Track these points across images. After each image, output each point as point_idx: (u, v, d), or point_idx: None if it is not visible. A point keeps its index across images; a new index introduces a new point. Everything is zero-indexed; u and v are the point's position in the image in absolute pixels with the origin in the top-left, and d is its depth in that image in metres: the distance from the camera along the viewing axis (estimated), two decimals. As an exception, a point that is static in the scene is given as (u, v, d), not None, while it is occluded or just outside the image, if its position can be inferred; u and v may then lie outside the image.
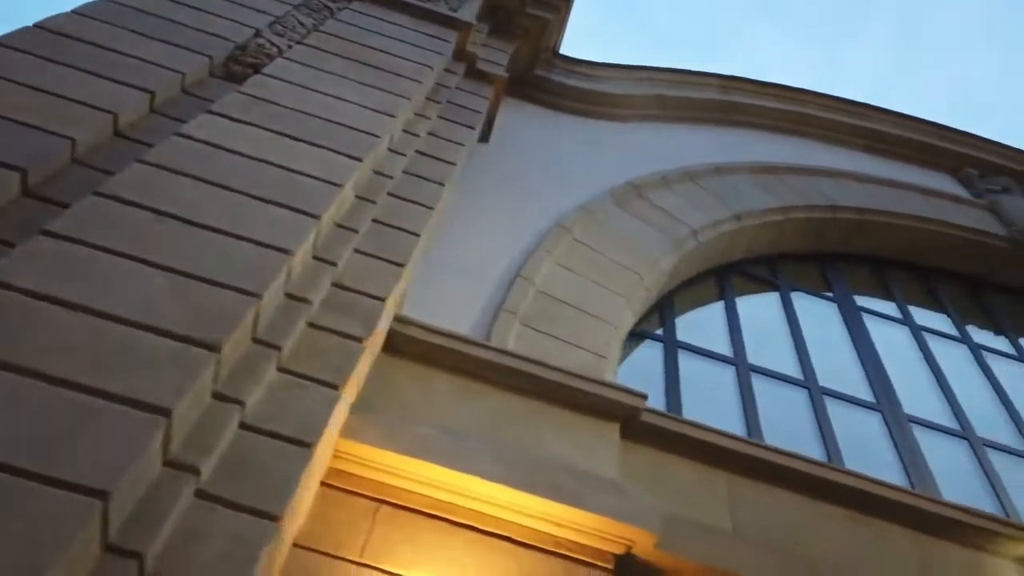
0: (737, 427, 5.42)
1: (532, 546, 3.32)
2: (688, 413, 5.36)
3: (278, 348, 2.90)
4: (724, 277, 7.23)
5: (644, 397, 4.20)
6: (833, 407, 5.98)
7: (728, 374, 5.96)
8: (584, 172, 6.88)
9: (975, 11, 46.94)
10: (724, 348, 6.25)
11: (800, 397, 5.97)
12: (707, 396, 5.66)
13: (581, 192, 6.49)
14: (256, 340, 2.88)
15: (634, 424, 4.19)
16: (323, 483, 3.25)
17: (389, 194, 4.33)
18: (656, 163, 7.57)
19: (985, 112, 47.65)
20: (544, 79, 7.97)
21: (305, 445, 2.69)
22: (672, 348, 6.01)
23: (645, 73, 8.63)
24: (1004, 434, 6.31)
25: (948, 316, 7.95)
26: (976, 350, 7.43)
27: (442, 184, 4.63)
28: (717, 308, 6.80)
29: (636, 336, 6.05)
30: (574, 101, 8.01)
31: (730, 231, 7.09)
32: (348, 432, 3.32)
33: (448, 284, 4.84)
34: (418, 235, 4.07)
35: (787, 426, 5.61)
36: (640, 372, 5.76)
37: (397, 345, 4.05)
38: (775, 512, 4.09)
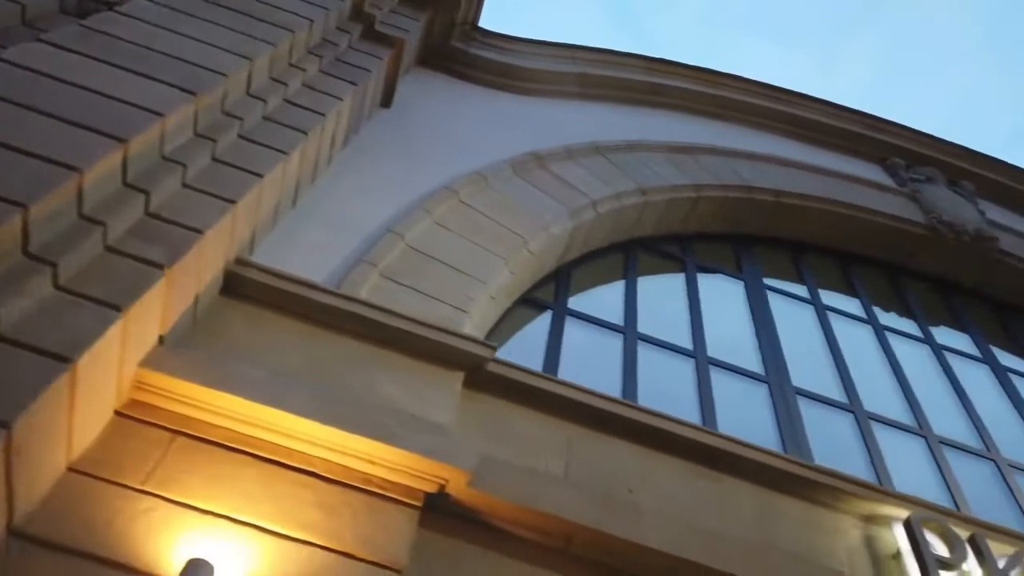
0: (615, 393, 5.38)
1: (337, 481, 3.25)
2: (565, 377, 5.31)
3: (53, 264, 2.81)
4: (631, 252, 7.20)
5: (492, 348, 4.14)
6: (720, 377, 5.97)
7: (616, 343, 5.93)
8: (488, 143, 6.83)
9: (964, 25, 47.73)
10: (618, 319, 6.22)
11: (687, 368, 5.95)
12: (590, 363, 5.62)
13: (480, 161, 6.44)
14: (28, 255, 2.79)
15: (480, 374, 4.14)
16: (118, 413, 3.16)
17: (241, 136, 4.24)
18: (569, 139, 7.53)
19: (965, 122, 48.43)
20: (461, 51, 7.92)
21: (63, 359, 2.60)
22: (560, 315, 5.96)
23: (567, 51, 8.61)
24: (893, 410, 6.33)
25: (859, 300, 7.98)
26: (881, 331, 7.47)
27: (304, 132, 4.55)
28: (619, 281, 6.78)
29: (528, 303, 6.00)
30: (489, 74, 7.96)
31: (636, 205, 7.07)
32: (152, 363, 3.23)
33: (314, 236, 4.76)
34: (260, 175, 3.99)
35: (667, 394, 5.58)
36: (526, 337, 5.71)
37: (235, 287, 3.97)
38: (613, 462, 4.04)
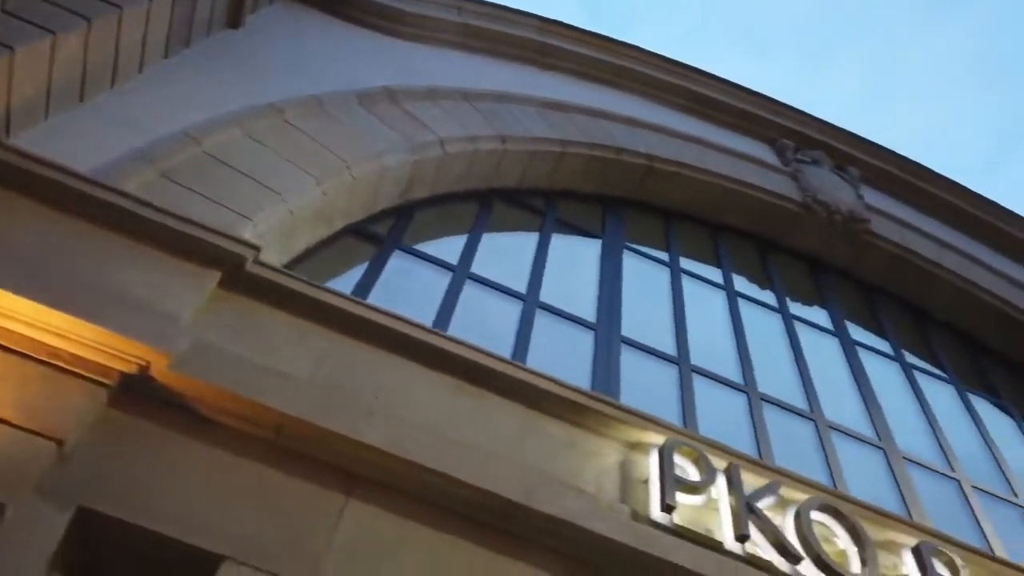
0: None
1: (19, 352, 3.09)
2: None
3: None
4: (489, 201, 7.11)
5: (254, 248, 4.00)
6: (546, 322, 5.90)
7: (444, 281, 5.82)
8: (340, 75, 6.66)
9: (953, 49, 48.87)
10: (456, 260, 6.11)
11: (514, 311, 5.87)
12: (407, 296, 5.50)
13: (323, 89, 6.27)
14: None
15: (239, 275, 3.99)
16: None
17: (5, 11, 4.03)
18: (435, 84, 7.39)
19: (945, 144, 49.66)
20: (337, -13, 7.73)
21: None
22: (389, 248, 5.84)
23: (454, 0, 8.47)
24: (722, 367, 6.33)
25: (721, 269, 8.00)
26: (733, 297, 7.49)
27: (86, 19, 4.34)
28: (468, 226, 6.67)
29: (359, 234, 5.87)
30: (367, 14, 7.79)
31: (494, 152, 6.97)
32: None
33: (96, 131, 4.56)
34: (11, 48, 3.79)
35: (485, 333, 5.47)
36: (347, 265, 5.58)
37: (-24, 165, 3.76)
38: (368, 371, 3.94)
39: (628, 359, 5.90)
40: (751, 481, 4.11)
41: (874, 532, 4.20)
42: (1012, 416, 7.68)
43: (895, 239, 8.99)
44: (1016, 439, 7.36)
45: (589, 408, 4.14)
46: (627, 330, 6.20)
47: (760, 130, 10.07)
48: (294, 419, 3.33)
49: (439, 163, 6.48)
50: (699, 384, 5.97)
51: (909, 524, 4.32)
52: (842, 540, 4.00)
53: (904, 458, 6.18)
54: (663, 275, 7.35)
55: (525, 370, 4.16)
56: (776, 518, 3.96)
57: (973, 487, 6.20)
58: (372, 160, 5.73)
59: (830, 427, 6.14)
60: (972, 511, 5.92)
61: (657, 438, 4.13)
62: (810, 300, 8.23)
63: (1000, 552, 5.45)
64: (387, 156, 5.89)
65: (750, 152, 9.50)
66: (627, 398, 5.37)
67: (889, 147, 10.36)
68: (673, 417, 5.47)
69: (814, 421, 6.13)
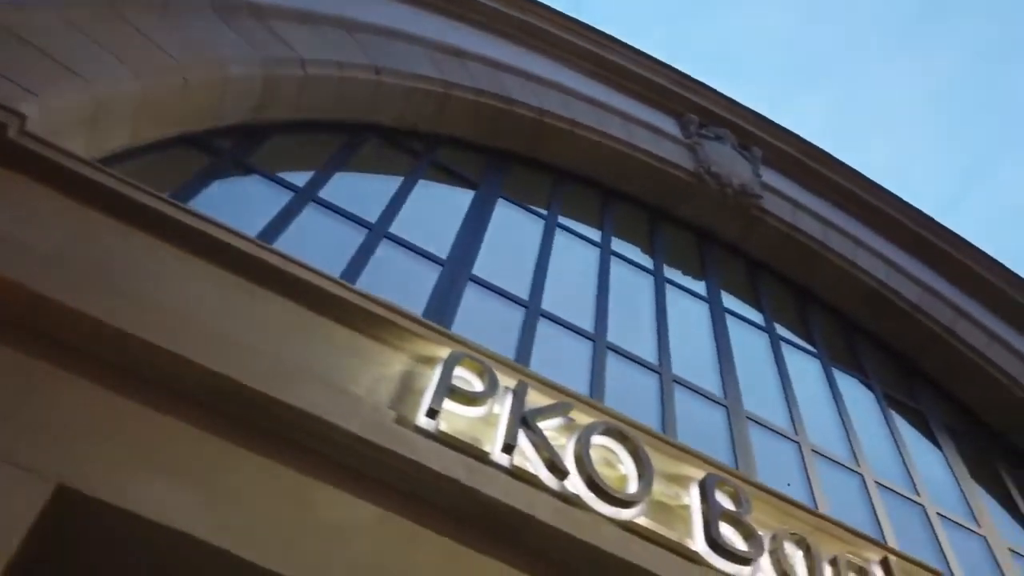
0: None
1: None
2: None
3: None
4: (361, 135, 6.86)
5: (20, 116, 3.71)
6: (389, 252, 5.69)
7: (282, 200, 5.56)
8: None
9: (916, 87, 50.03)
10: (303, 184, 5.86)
11: (356, 237, 5.64)
12: (237, 210, 5.24)
13: (180, -7, 5.94)
14: None
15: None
16: None
17: None
18: (317, 9, 7.11)
19: (906, 181, 50.92)
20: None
21: None
22: (227, 162, 5.57)
23: (354, -66, 8.18)
24: (574, 315, 6.21)
25: (602, 230, 7.88)
26: (607, 256, 7.38)
27: None
28: (331, 156, 6.42)
29: (197, 145, 5.57)
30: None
31: (366, 82, 6.73)
32: None
33: None
34: None
35: (316, 252, 5.23)
36: (173, 172, 5.27)
37: None
38: (129, 254, 3.68)
39: (473, 297, 5.73)
40: (540, 401, 3.97)
41: (664, 464, 4.10)
42: (874, 394, 7.74)
43: (786, 218, 9.01)
44: (873, 416, 7.40)
45: (376, 315, 3.94)
46: (479, 270, 6.03)
47: (668, 103, 10.00)
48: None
49: (301, 84, 6.21)
50: (544, 328, 5.83)
51: (700, 457, 4.23)
52: (626, 466, 3.88)
53: (748, 418, 6.14)
54: (535, 227, 7.20)
55: (311, 270, 3.95)
56: (559, 438, 3.82)
57: (813, 451, 6.19)
58: (212, 66, 5.45)
59: (675, 381, 6.06)
60: (806, 471, 5.90)
61: (444, 351, 3.96)
62: (691, 269, 8.17)
63: (823, 508, 5.44)
64: (232, 66, 5.61)
65: (652, 122, 9.42)
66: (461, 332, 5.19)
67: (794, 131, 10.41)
68: (510, 355, 5.31)
69: (660, 374, 6.05)
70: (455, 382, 3.71)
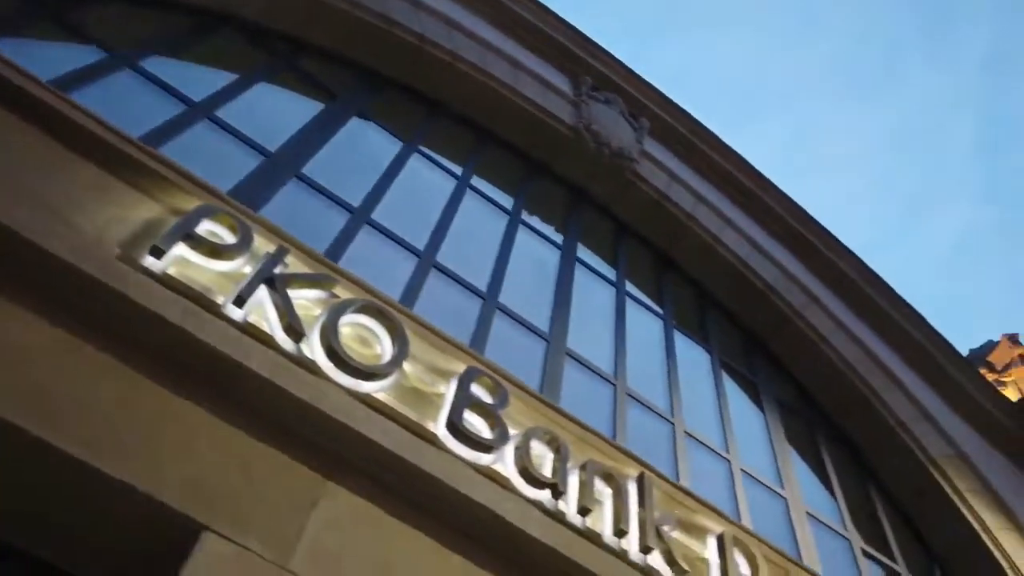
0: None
1: None
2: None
3: None
4: (218, 23, 6.53)
5: None
6: (211, 135, 5.41)
7: (89, 58, 5.20)
8: None
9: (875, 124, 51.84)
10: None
11: (170, 110, 5.32)
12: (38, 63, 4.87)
13: None
14: None
15: None
16: None
17: None
18: None
19: (849, 217, 52.75)
20: None
21: None
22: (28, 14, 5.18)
23: None
24: (400, 228, 6.05)
25: (465, 165, 7.74)
26: (464, 187, 7.25)
27: None
28: (173, 34, 6.07)
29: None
30: None
31: (225, -31, 6.40)
32: None
33: None
34: None
35: (122, 118, 4.91)
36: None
37: None
38: None
39: (294, 192, 5.51)
40: (301, 268, 3.80)
41: (429, 354, 3.99)
42: (711, 358, 7.87)
43: (659, 186, 9.08)
44: (704, 379, 7.52)
45: (127, 155, 3.69)
46: (312, 171, 5.81)
47: (564, 61, 9.91)
48: None
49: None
50: (367, 235, 5.66)
51: (467, 352, 4.15)
52: (383, 346, 3.75)
53: (568, 354, 6.12)
54: (390, 147, 7.00)
55: (70, 103, 3.67)
56: (314, 309, 3.66)
57: (629, 395, 6.23)
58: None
59: (499, 308, 5.99)
60: (615, 413, 5.92)
61: (198, 203, 3.74)
62: (554, 220, 8.13)
63: (617, 439, 5.44)
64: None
65: (543, 75, 9.34)
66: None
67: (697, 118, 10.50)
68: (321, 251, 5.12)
69: (484, 300, 5.96)
70: (200, 231, 3.51)
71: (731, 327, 8.80)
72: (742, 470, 6.48)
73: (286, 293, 3.51)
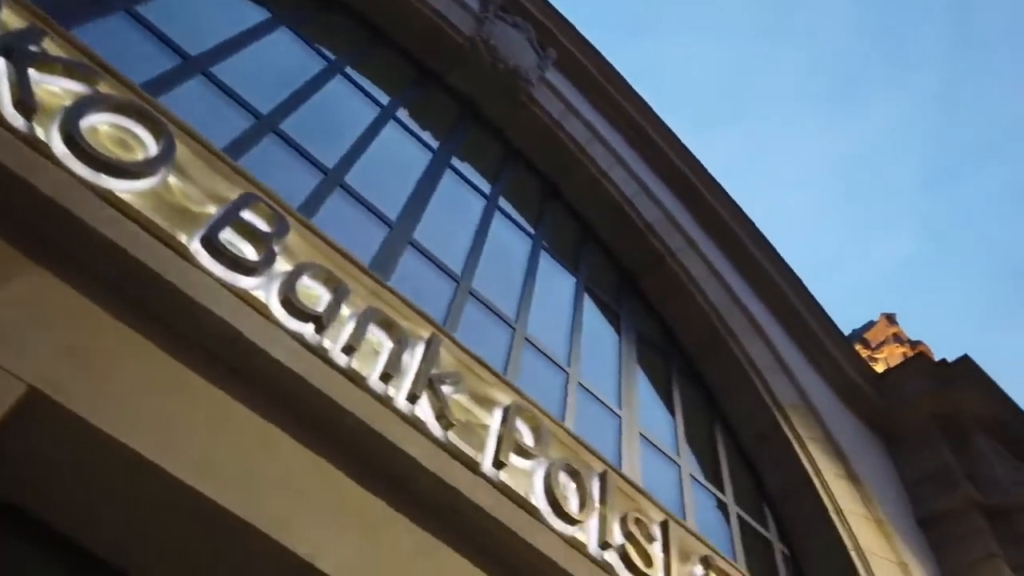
0: None
1: None
2: None
3: None
4: None
5: None
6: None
7: None
8: None
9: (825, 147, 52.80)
10: None
11: None
12: None
13: None
14: None
15: None
16: None
17: None
18: None
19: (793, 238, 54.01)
20: None
21: None
22: None
23: None
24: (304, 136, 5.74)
25: (353, 62, 7.42)
26: (336, 71, 6.95)
27: None
28: None
29: None
30: None
31: None
32: None
33: None
34: None
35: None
36: None
37: None
38: None
39: (201, 88, 5.17)
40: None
41: (218, 183, 3.73)
42: (576, 281, 7.81)
43: (554, 114, 8.94)
44: (563, 298, 7.46)
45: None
46: (220, 71, 5.45)
47: (477, -18, 9.66)
48: None
49: None
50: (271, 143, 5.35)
51: (247, 178, 3.90)
52: (146, 150, 3.47)
53: (411, 243, 5.94)
54: (278, 39, 6.61)
55: None
56: (68, 100, 3.36)
57: (471, 293, 6.10)
58: None
59: (342, 185, 5.75)
60: (451, 307, 5.77)
61: None
62: (435, 127, 7.89)
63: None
64: None
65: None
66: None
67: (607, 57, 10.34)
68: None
69: (326, 173, 5.71)
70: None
71: (606, 262, 8.78)
72: (580, 383, 6.44)
73: (25, 70, 3.19)
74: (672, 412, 7.58)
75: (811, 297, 9.94)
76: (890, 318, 14.63)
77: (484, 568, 3.55)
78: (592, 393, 6.50)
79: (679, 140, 10.15)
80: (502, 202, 7.77)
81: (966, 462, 8.95)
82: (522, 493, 3.87)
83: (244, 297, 3.38)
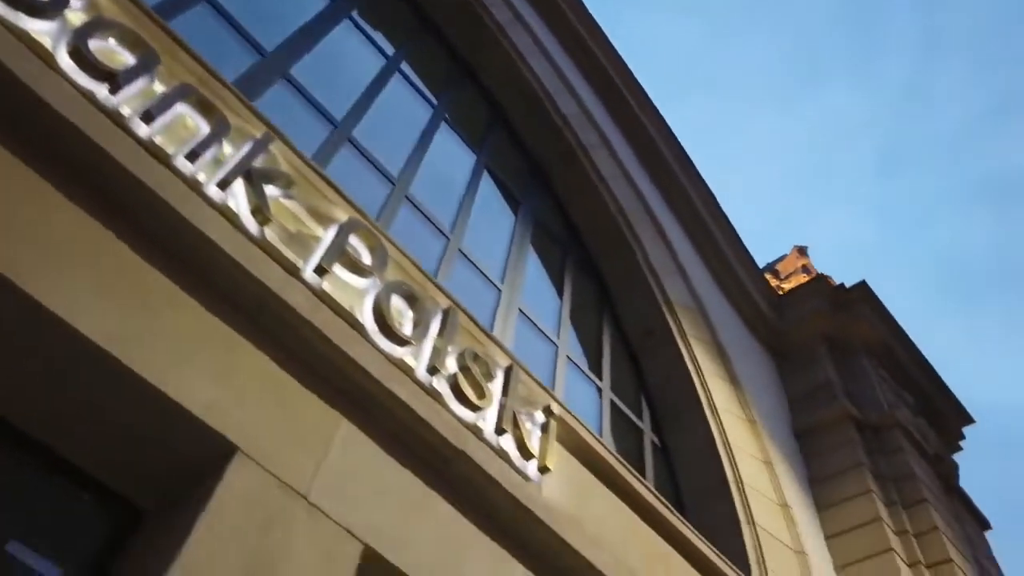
0: None
1: None
2: None
3: None
4: None
5: None
6: None
7: None
8: None
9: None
10: None
11: None
12: None
13: None
14: None
15: None
16: None
17: None
18: None
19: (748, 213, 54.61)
20: None
21: None
22: None
23: None
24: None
25: None
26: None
27: None
28: None
29: None
30: None
31: None
32: None
33: None
34: None
35: None
36: None
37: None
38: None
39: None
40: None
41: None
42: (477, 161, 7.56)
43: (478, -8, 8.51)
44: (459, 174, 7.21)
45: None
46: None
47: None
48: None
49: None
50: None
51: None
52: None
53: (290, 79, 5.56)
54: None
55: None
56: None
57: (350, 140, 5.78)
58: None
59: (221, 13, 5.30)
60: (325, 145, 5.44)
61: None
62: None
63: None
64: None
65: None
66: None
67: None
68: None
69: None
70: None
71: (516, 151, 8.52)
72: (460, 250, 6.24)
73: None
74: (560, 297, 7.48)
75: (721, 213, 9.92)
76: (801, 250, 14.90)
77: (294, 373, 3.34)
78: (473, 263, 6.31)
79: (605, 35, 9.86)
80: (405, 67, 7.39)
81: (849, 381, 9.17)
82: (347, 307, 3.67)
83: (28, 42, 3.01)
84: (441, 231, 6.20)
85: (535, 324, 6.65)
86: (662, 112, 9.71)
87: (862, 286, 9.97)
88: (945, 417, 10.31)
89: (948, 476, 8.88)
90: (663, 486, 6.78)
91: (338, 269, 3.74)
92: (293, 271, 3.52)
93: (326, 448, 3.26)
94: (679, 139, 9.86)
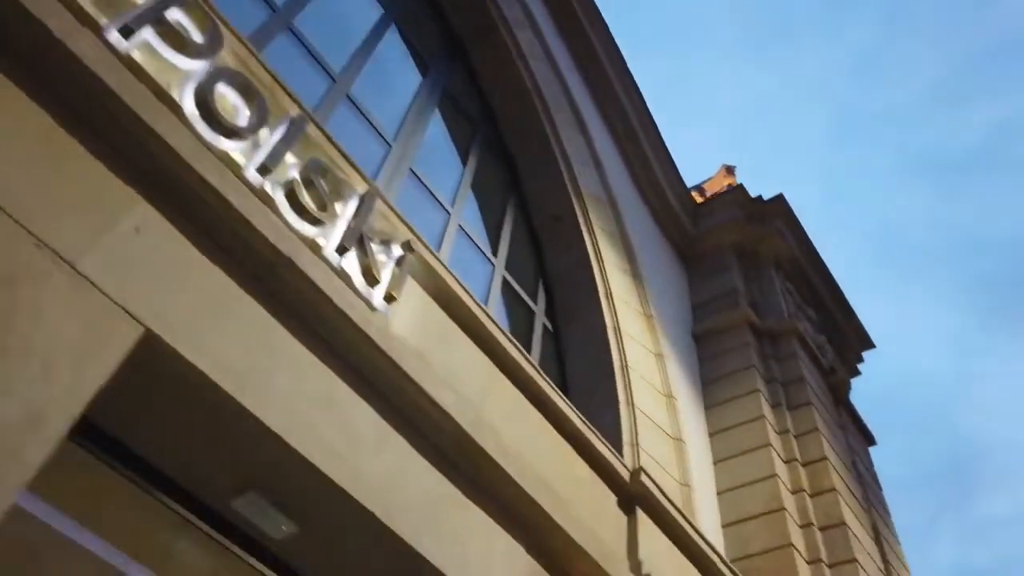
0: None
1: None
2: None
3: None
4: None
5: None
6: None
7: None
8: None
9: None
10: None
11: None
12: None
13: None
14: None
15: None
16: None
17: None
18: None
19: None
20: None
21: None
22: None
23: None
24: None
25: None
26: None
27: None
28: None
29: None
30: None
31: None
32: None
33: None
34: None
35: None
36: None
37: None
38: None
39: None
40: None
41: None
42: (382, 19, 7.01)
43: None
44: (352, 34, 6.67)
45: None
46: None
47: None
48: None
49: None
50: None
51: None
52: None
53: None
54: None
55: None
56: None
57: (291, 29, 5.22)
58: None
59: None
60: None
61: None
62: None
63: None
64: None
65: None
66: None
67: None
68: None
69: None
70: None
71: (433, 19, 7.97)
72: (347, 96, 5.78)
73: None
74: (463, 167, 7.11)
75: (651, 120, 9.61)
76: (729, 169, 14.72)
77: (82, 140, 2.90)
78: (359, 109, 5.86)
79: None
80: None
81: (754, 292, 9.14)
82: (162, 83, 3.21)
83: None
84: (327, 71, 5.71)
85: (427, 187, 6.28)
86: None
87: (779, 200, 9.88)
88: (847, 337, 10.45)
89: (839, 389, 9.00)
90: (548, 367, 6.61)
91: (155, 41, 3.27)
92: (93, 26, 3.05)
93: (112, 224, 2.87)
94: (622, 52, 9.43)
